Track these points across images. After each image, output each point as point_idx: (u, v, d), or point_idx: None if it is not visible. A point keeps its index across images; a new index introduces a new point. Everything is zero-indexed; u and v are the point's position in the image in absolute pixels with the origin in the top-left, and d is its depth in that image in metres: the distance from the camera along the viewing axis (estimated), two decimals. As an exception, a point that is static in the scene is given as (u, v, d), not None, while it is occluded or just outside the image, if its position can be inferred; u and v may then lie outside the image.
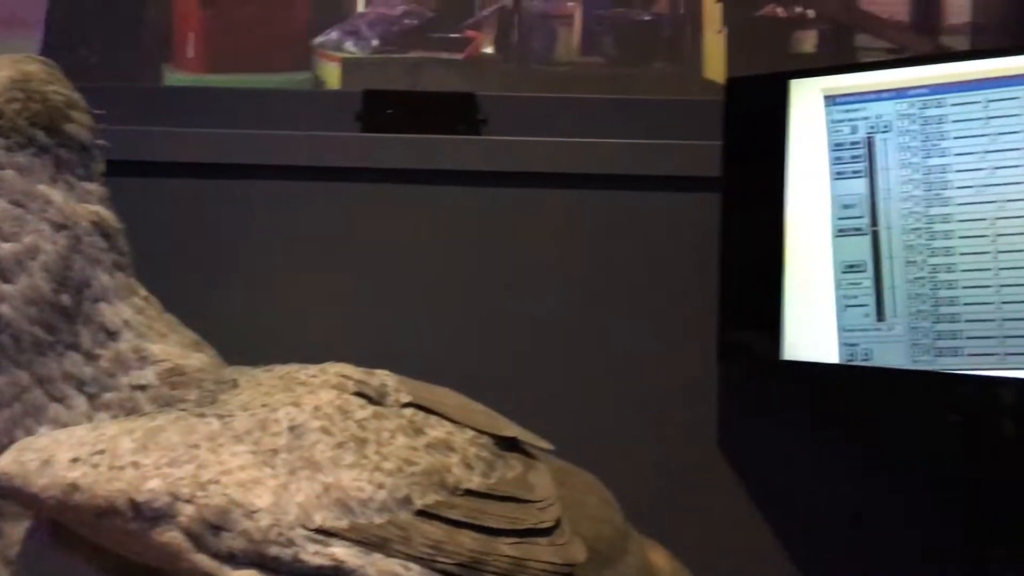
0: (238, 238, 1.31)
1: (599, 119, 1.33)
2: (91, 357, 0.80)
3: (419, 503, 0.77)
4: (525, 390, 1.27)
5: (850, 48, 1.44)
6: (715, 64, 1.42)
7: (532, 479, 0.86)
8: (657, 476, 1.27)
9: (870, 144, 1.12)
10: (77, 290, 0.80)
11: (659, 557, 0.99)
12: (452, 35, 1.45)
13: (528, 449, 0.92)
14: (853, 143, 1.14)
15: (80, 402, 0.79)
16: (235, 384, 0.83)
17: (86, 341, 0.80)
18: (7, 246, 0.78)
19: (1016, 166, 1.04)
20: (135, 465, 0.70)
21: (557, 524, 0.82)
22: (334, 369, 0.86)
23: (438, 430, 0.84)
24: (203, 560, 0.68)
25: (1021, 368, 1.03)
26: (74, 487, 0.69)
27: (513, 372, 1.29)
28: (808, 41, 1.44)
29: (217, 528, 0.69)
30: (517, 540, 0.78)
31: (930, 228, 1.08)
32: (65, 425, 0.77)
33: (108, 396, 0.80)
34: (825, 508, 1.28)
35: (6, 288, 0.77)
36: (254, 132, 1.31)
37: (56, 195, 0.81)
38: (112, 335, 0.81)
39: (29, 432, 0.77)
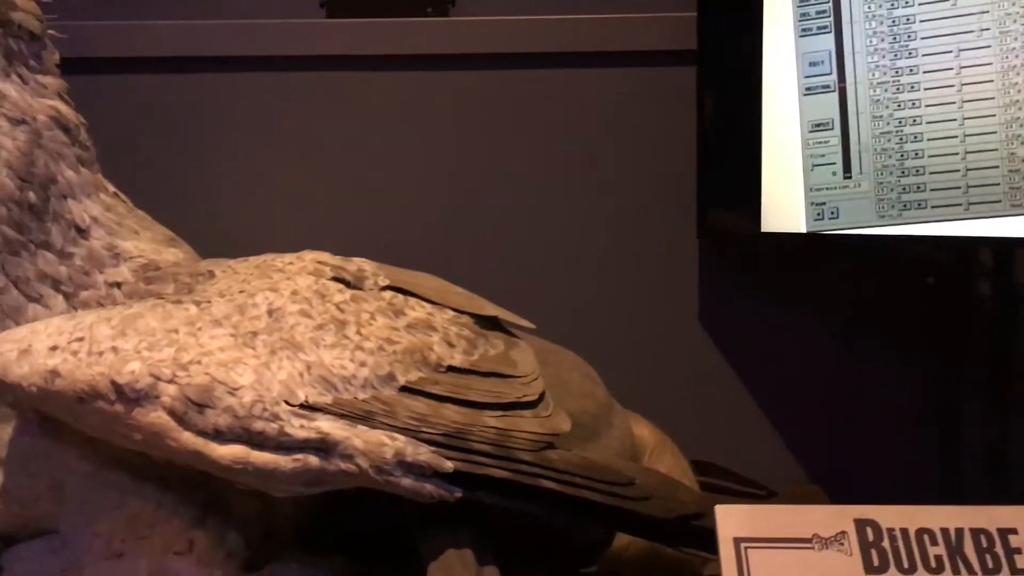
0: (204, 132, 1.29)
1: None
2: (64, 255, 0.79)
3: (402, 380, 0.77)
4: (505, 273, 1.27)
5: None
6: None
7: (514, 356, 0.87)
8: (640, 352, 1.28)
9: (835, -3, 1.11)
10: (43, 186, 0.78)
11: (643, 429, 1.01)
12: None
13: (510, 329, 0.92)
14: (818, -4, 1.12)
15: (57, 301, 0.78)
16: (211, 275, 0.83)
17: (57, 239, 0.79)
18: None
19: (981, 12, 1.03)
20: (114, 350, 0.70)
21: (541, 398, 0.83)
22: (310, 256, 0.86)
23: (418, 311, 0.85)
24: (189, 438, 0.69)
25: (984, 216, 1.06)
26: (55, 373, 0.69)
27: (492, 256, 1.29)
28: None
29: (200, 406, 0.69)
30: (501, 413, 0.79)
31: (897, 81, 1.08)
32: None
33: (85, 294, 0.79)
34: (804, 377, 1.30)
35: None
36: (216, 23, 1.27)
37: (10, 89, 0.78)
38: (82, 232, 0.80)
39: None
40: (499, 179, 1.30)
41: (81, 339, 0.70)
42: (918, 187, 1.08)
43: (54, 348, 0.70)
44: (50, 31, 0.84)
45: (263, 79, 1.28)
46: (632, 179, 1.29)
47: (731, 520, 0.72)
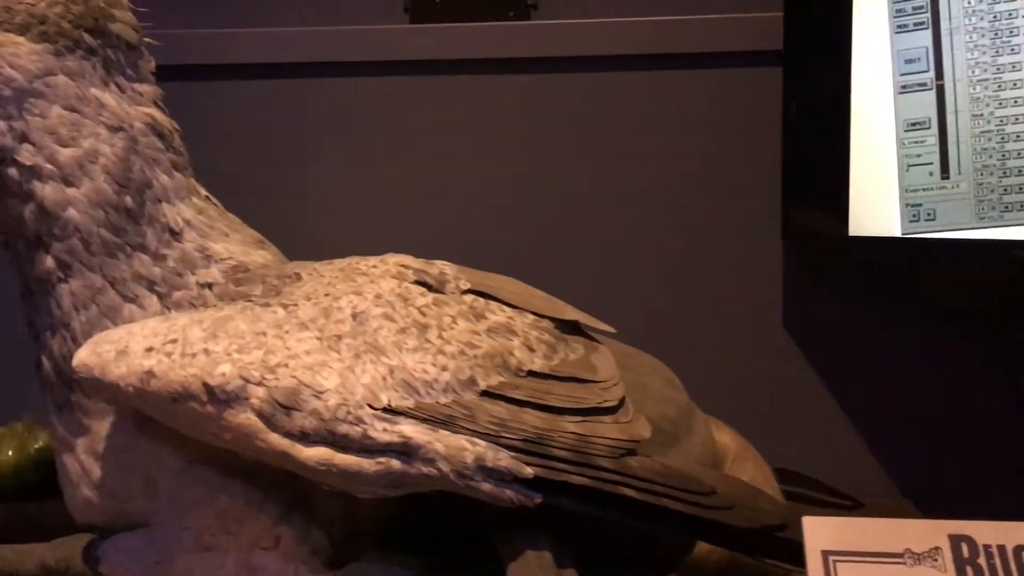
0: (290, 137, 1.32)
1: (652, -5, 1.29)
2: (158, 257, 0.81)
3: (483, 384, 0.77)
4: (587, 276, 1.27)
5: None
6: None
7: (594, 360, 0.86)
8: (722, 356, 1.27)
9: (933, -9, 1.07)
10: (139, 191, 0.81)
11: (725, 436, 0.99)
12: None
13: (590, 333, 0.92)
14: (916, -8, 1.09)
15: (152, 301, 0.81)
16: (298, 277, 0.84)
17: (152, 242, 0.81)
18: (67, 151, 0.78)
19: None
20: (206, 352, 0.72)
21: (621, 403, 0.82)
22: (394, 259, 0.87)
23: (499, 315, 0.85)
24: (276, 439, 0.70)
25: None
26: (151, 374, 0.71)
27: (573, 259, 1.29)
28: None
29: (287, 408, 0.71)
30: (581, 418, 0.79)
31: (998, 78, 1.04)
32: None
33: (177, 295, 0.81)
34: (893, 384, 1.27)
35: (71, 192, 0.78)
36: (303, 29, 1.30)
37: (109, 98, 0.81)
38: (176, 235, 0.82)
39: None
40: (582, 182, 1.29)
41: (175, 341, 0.72)
42: (1020, 188, 1.04)
43: (150, 349, 0.72)
44: (146, 39, 0.87)
45: (348, 84, 1.30)
46: (716, 181, 1.27)
47: (820, 532, 0.70)
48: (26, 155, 0.77)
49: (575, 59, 1.27)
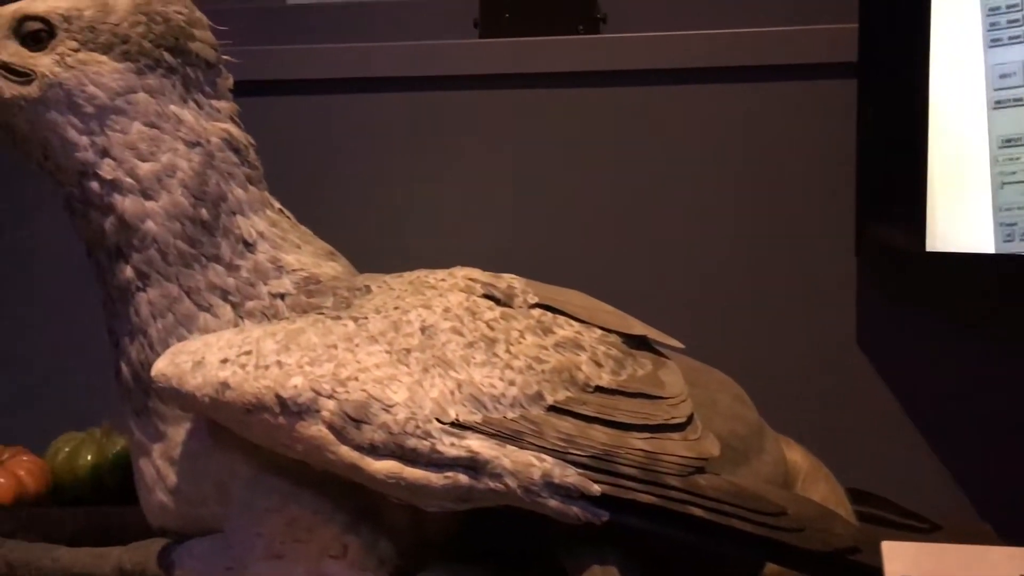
0: (363, 150, 1.33)
1: (724, 8, 1.28)
2: (232, 268, 0.83)
3: (550, 399, 0.77)
4: (654, 290, 1.26)
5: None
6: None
7: (663, 376, 0.85)
8: (793, 373, 1.24)
9: (1030, 5, 1.04)
10: (214, 204, 0.82)
11: (796, 455, 0.97)
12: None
13: (658, 348, 0.91)
14: (1010, 6, 1.05)
15: (226, 311, 0.82)
16: (368, 290, 0.85)
17: (226, 253, 0.82)
18: (146, 166, 0.80)
19: None
20: (279, 364, 0.73)
21: (689, 420, 0.81)
22: (462, 273, 0.87)
23: (566, 329, 0.84)
24: (346, 452, 0.71)
25: None
26: (225, 385, 0.73)
27: (641, 273, 1.28)
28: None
29: (357, 421, 0.71)
30: (649, 435, 0.78)
31: (1096, 93, 1.00)
32: (214, 332, 0.80)
33: (250, 304, 0.83)
34: (971, 405, 1.23)
35: (150, 205, 0.80)
36: (374, 45, 1.32)
37: (187, 114, 0.83)
38: (249, 246, 0.84)
39: (182, 340, 0.81)
40: (651, 196, 1.28)
41: (249, 353, 0.74)
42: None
43: (225, 361, 0.73)
44: (224, 57, 0.89)
45: (419, 98, 1.32)
46: (788, 194, 1.25)
47: (899, 558, 0.68)
48: (107, 169, 0.79)
49: (645, 72, 1.26)
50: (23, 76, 0.79)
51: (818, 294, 1.25)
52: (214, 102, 0.85)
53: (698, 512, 0.74)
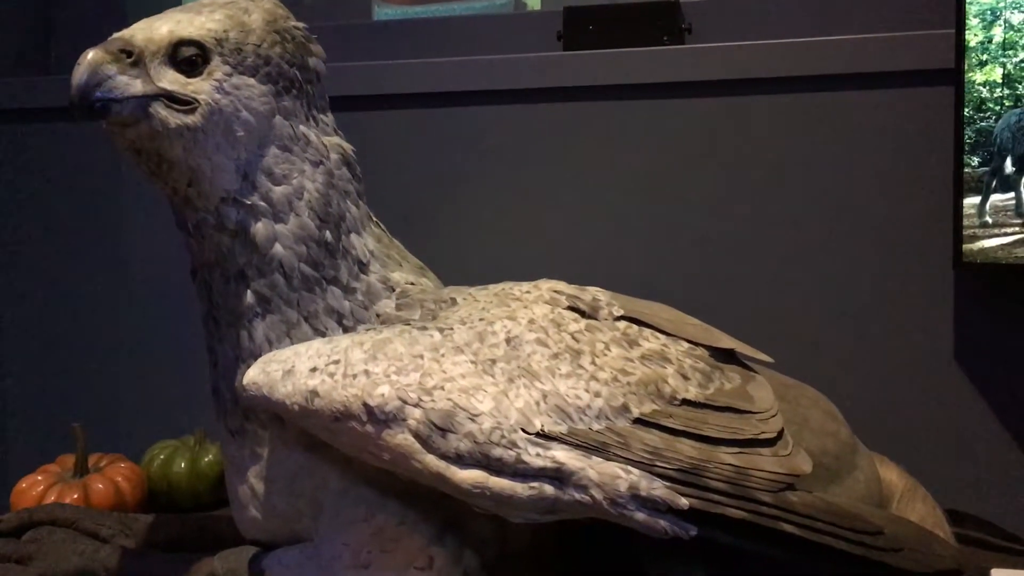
0: (448, 164, 1.34)
1: (811, 16, 1.25)
2: (348, 290, 0.83)
3: (636, 412, 0.76)
4: (744, 303, 1.24)
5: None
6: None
7: (752, 391, 0.84)
8: (888, 390, 1.20)
9: None
10: (336, 224, 0.82)
11: (891, 474, 0.94)
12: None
13: (747, 362, 0.89)
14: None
15: (339, 335, 0.80)
16: (453, 302, 0.85)
17: (344, 275, 0.82)
18: (279, 189, 0.80)
19: None
20: (367, 373, 0.74)
21: (780, 435, 0.80)
22: (547, 285, 0.87)
23: (652, 342, 0.84)
24: (432, 460, 0.71)
25: None
26: (314, 393, 0.74)
27: (730, 287, 1.26)
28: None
29: (443, 430, 0.72)
30: (738, 450, 0.76)
31: None
32: None
33: (360, 328, 0.82)
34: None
35: (279, 228, 0.80)
36: (460, 59, 1.33)
37: (311, 133, 0.82)
38: (363, 266, 0.83)
39: None
40: (742, 208, 1.26)
41: (337, 361, 0.75)
42: None
43: (314, 369, 0.74)
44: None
45: (504, 111, 1.32)
46: (883, 206, 1.21)
47: (1008, 584, 0.65)
48: (248, 195, 0.79)
49: (733, 82, 1.24)
50: (186, 104, 0.77)
51: (915, 308, 1.21)
52: (323, 116, 0.84)
53: (790, 529, 0.72)
